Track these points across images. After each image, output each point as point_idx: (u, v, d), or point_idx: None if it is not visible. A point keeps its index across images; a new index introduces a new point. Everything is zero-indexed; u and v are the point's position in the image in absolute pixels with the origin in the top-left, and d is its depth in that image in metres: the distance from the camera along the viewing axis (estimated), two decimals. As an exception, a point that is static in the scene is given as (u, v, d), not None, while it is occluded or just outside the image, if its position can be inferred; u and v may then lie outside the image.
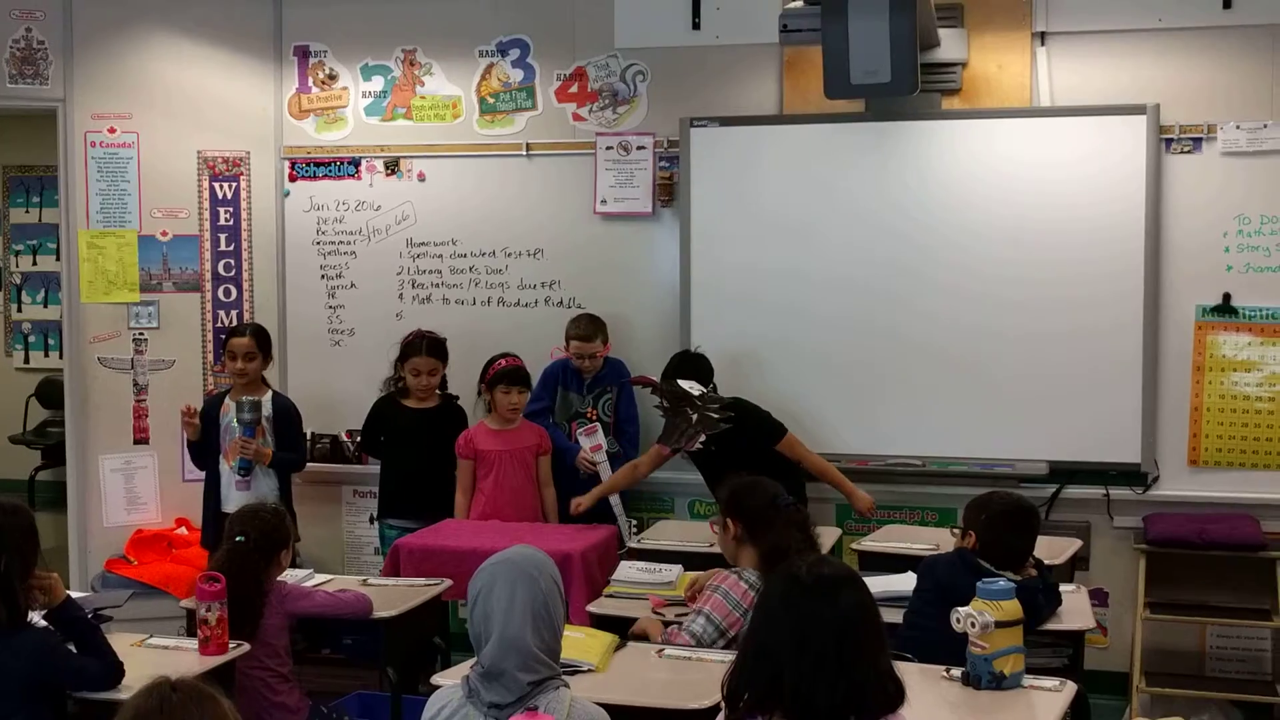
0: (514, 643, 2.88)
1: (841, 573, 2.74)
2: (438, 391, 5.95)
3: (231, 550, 4.32)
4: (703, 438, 5.35)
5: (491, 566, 2.98)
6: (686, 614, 4.18)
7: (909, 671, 2.93)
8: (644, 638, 4.15)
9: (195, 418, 5.83)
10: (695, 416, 5.32)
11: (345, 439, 6.43)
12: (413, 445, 5.89)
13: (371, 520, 6.13)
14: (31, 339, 10.10)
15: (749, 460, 5.06)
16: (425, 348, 5.90)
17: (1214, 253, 5.58)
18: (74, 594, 3.91)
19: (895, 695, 2.64)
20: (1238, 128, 5.52)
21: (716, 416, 5.32)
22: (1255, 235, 5.55)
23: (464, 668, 3.18)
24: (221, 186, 6.51)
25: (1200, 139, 5.57)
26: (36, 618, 3.63)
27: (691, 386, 5.35)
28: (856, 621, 2.62)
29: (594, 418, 5.87)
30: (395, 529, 5.74)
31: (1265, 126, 5.50)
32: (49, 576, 3.66)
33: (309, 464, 6.22)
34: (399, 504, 5.87)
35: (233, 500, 5.65)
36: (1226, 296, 5.58)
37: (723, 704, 2.70)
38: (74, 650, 3.61)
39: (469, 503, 5.75)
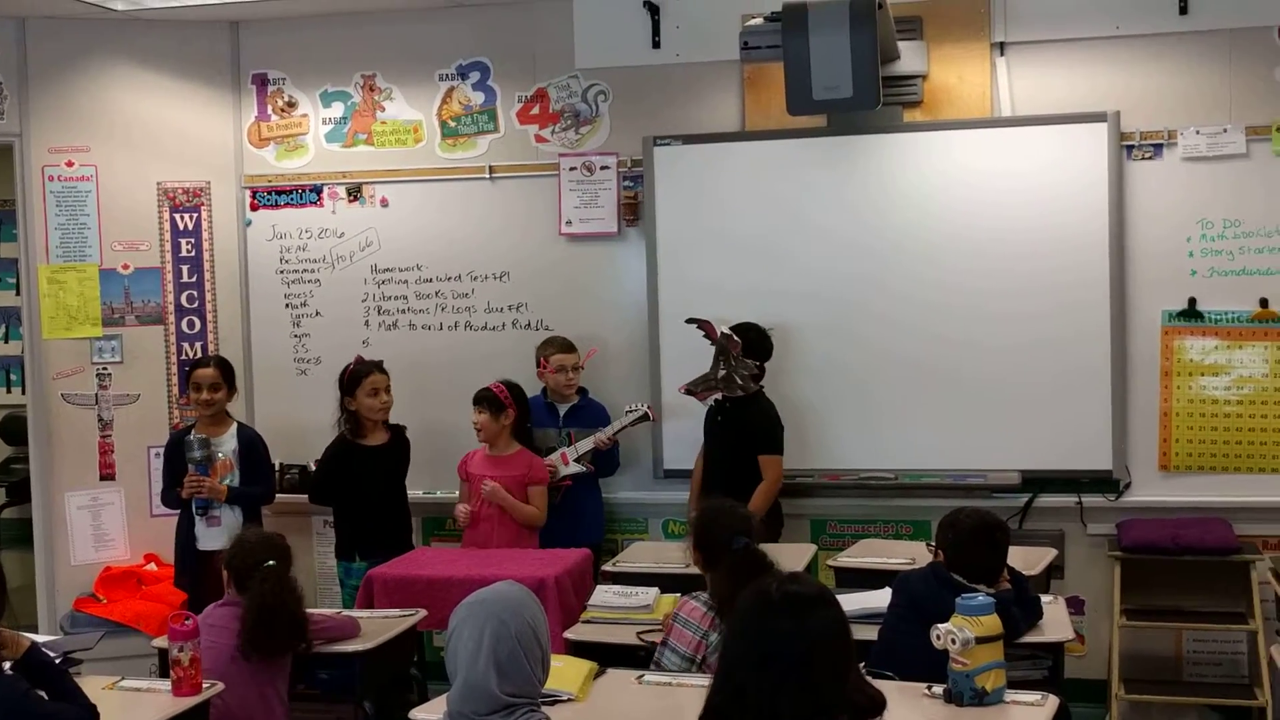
0: (476, 689, 2.87)
1: (812, 591, 2.73)
2: (383, 424, 5.88)
3: (270, 572, 4.28)
4: (718, 395, 5.51)
5: (466, 606, 2.95)
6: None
7: (889, 690, 2.92)
8: None
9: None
10: (723, 373, 5.46)
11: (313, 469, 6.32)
12: (373, 484, 5.78)
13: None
14: (-8, 375, 9.99)
15: (741, 452, 5.49)
16: (376, 366, 5.82)
17: (1178, 258, 5.61)
18: (43, 636, 3.86)
19: (869, 710, 2.63)
20: (1198, 133, 5.55)
21: (739, 381, 5.46)
22: (1218, 239, 5.57)
23: (443, 701, 3.15)
24: (182, 217, 6.46)
25: (1161, 145, 5.60)
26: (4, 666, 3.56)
27: (734, 341, 5.47)
28: (823, 640, 2.61)
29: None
30: (365, 565, 5.66)
31: (1225, 131, 5.53)
32: (4, 633, 3.59)
33: (282, 495, 6.15)
34: (364, 543, 5.74)
35: (205, 537, 5.59)
36: (1192, 301, 5.60)
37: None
38: (45, 696, 3.54)
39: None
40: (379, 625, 4.65)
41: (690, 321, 5.64)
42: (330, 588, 6.25)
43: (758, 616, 2.65)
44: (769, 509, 5.43)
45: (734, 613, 2.78)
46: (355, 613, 4.89)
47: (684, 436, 5.95)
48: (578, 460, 5.81)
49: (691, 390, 5.60)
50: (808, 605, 2.65)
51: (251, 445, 5.82)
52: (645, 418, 5.86)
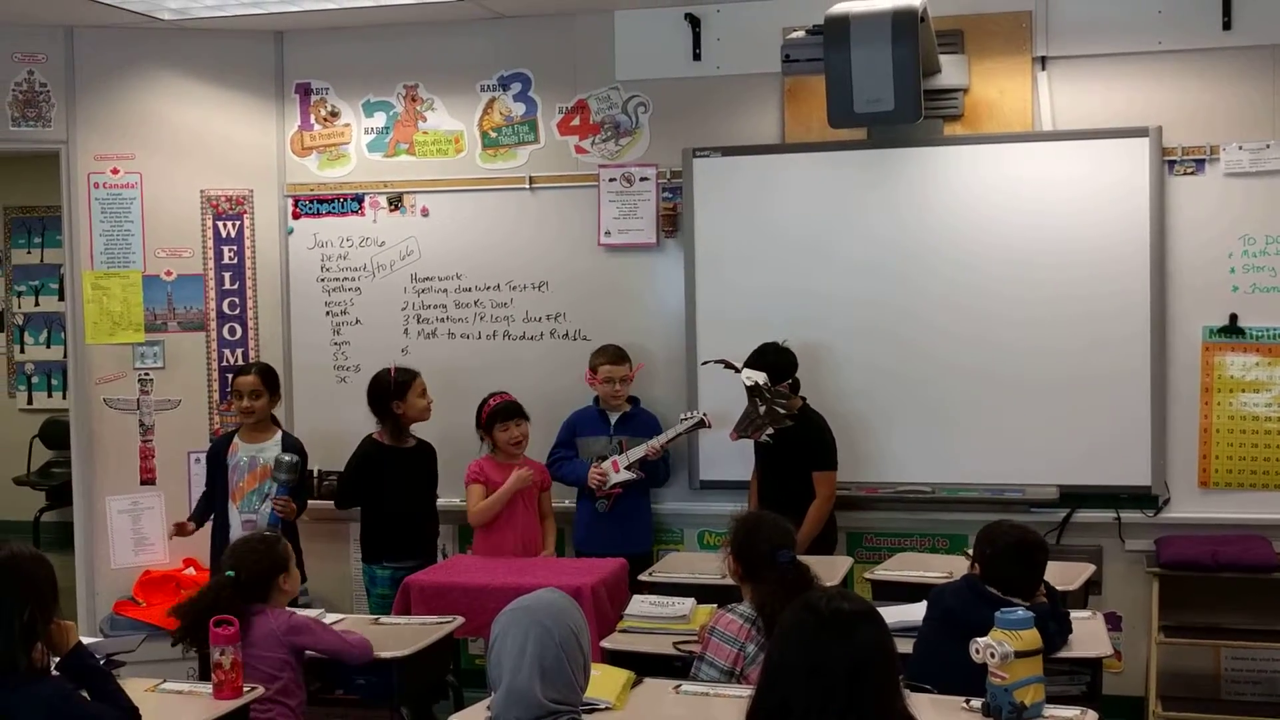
0: (521, 695, 2.88)
1: (860, 609, 2.72)
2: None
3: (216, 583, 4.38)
4: (770, 430, 5.49)
5: (510, 612, 2.96)
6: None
7: (926, 703, 2.91)
8: None
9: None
10: (763, 409, 5.46)
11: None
12: (402, 485, 5.83)
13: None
14: (35, 380, 10.10)
15: (794, 469, 5.50)
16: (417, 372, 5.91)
17: (1219, 274, 5.58)
18: (85, 639, 3.88)
19: None
20: (1240, 148, 5.53)
21: (782, 412, 5.46)
22: (1260, 255, 5.54)
23: (480, 708, 3.17)
24: (225, 225, 6.52)
25: (1203, 160, 5.58)
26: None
27: (755, 376, 5.46)
28: (870, 660, 2.60)
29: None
30: (390, 570, 5.71)
31: (1268, 147, 5.50)
32: (61, 624, 3.62)
33: (316, 502, 6.19)
34: (394, 546, 5.79)
35: None
36: (1233, 317, 5.57)
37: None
38: (88, 697, 3.57)
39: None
40: (415, 632, 4.66)
41: (707, 363, 5.74)
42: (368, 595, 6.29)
43: (806, 631, 2.64)
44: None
45: (780, 626, 2.78)
46: (392, 620, 4.92)
47: (720, 448, 5.93)
48: (628, 468, 5.83)
49: (743, 434, 5.58)
50: (857, 622, 2.64)
51: (295, 454, 5.84)
52: (700, 424, 5.81)
